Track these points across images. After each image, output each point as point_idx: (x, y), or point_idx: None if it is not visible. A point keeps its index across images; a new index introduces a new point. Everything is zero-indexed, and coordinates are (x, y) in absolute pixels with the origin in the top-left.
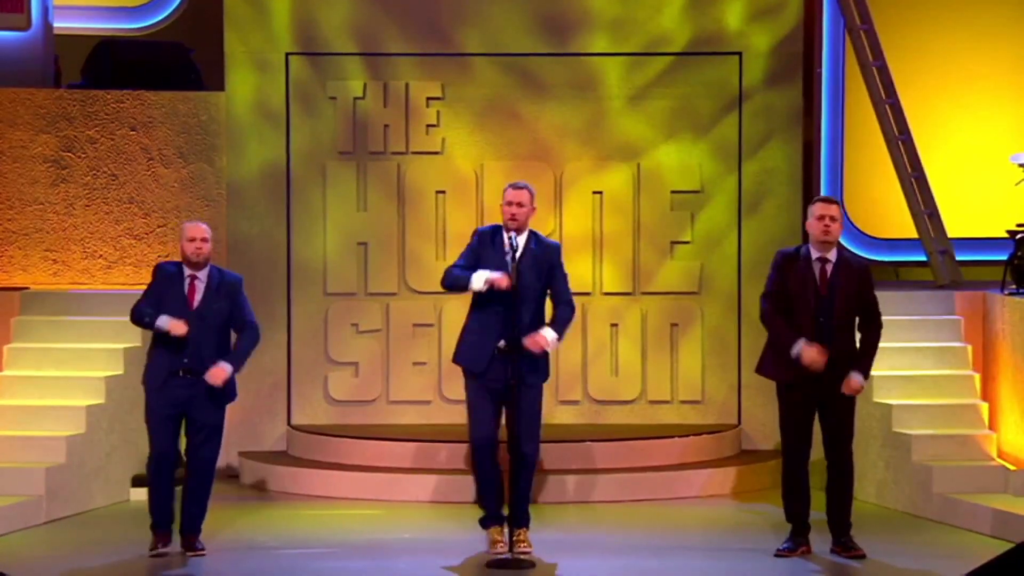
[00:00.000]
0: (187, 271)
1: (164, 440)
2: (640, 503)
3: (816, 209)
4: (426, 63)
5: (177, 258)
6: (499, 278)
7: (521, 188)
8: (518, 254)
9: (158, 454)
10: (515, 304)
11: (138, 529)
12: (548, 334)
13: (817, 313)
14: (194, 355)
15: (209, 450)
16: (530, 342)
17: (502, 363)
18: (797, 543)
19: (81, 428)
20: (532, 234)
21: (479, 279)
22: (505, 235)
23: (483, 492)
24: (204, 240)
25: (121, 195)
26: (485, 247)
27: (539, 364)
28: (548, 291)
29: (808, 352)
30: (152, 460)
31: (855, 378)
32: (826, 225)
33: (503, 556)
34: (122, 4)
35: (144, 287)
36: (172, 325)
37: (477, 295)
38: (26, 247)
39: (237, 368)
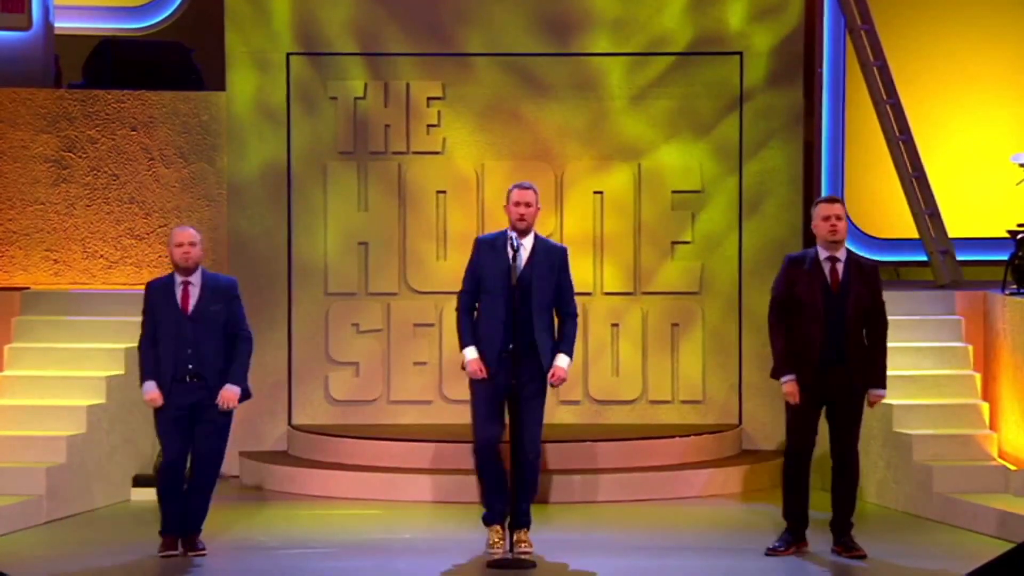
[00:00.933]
0: (179, 278)
1: (173, 446)
2: (641, 503)
3: (820, 210)
4: (427, 63)
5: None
6: (474, 371)
7: (527, 188)
8: (524, 256)
9: (168, 463)
10: (520, 307)
11: (139, 529)
12: (562, 363)
13: (827, 313)
14: (197, 359)
15: (214, 450)
16: (555, 380)
17: (508, 366)
18: (789, 542)
19: (81, 428)
20: (538, 238)
21: (465, 355)
22: (510, 237)
23: (489, 491)
24: (192, 244)
25: (122, 195)
26: (485, 255)
27: (543, 369)
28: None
29: (790, 387)
30: (163, 468)
31: (877, 393)
32: (832, 225)
33: (503, 556)
34: (123, 4)
35: (145, 288)
36: (150, 396)
37: (483, 297)
38: (27, 247)
39: (244, 383)
